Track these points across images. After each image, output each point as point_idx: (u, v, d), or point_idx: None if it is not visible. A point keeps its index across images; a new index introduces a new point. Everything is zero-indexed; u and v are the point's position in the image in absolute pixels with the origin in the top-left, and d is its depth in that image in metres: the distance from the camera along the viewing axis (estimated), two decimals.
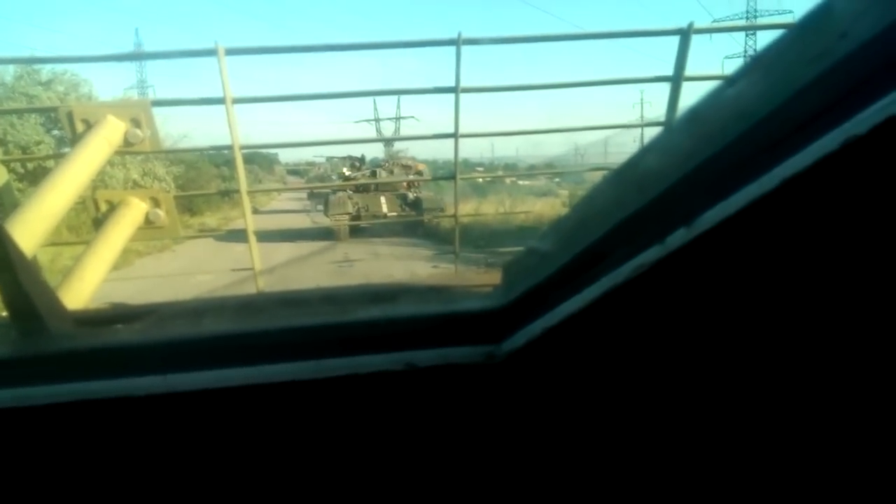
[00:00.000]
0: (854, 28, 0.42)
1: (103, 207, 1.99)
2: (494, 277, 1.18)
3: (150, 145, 1.96)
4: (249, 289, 2.36)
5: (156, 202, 2.03)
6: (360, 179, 15.30)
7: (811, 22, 0.47)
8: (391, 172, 15.76)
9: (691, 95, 2.20)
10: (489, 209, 15.59)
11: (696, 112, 0.53)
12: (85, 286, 1.58)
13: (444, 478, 0.61)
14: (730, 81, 0.50)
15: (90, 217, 2.00)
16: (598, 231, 0.54)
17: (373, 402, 0.61)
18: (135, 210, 1.98)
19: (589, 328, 0.54)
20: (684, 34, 2.00)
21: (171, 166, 17.53)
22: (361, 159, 15.34)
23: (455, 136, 2.09)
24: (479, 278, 1.43)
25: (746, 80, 0.50)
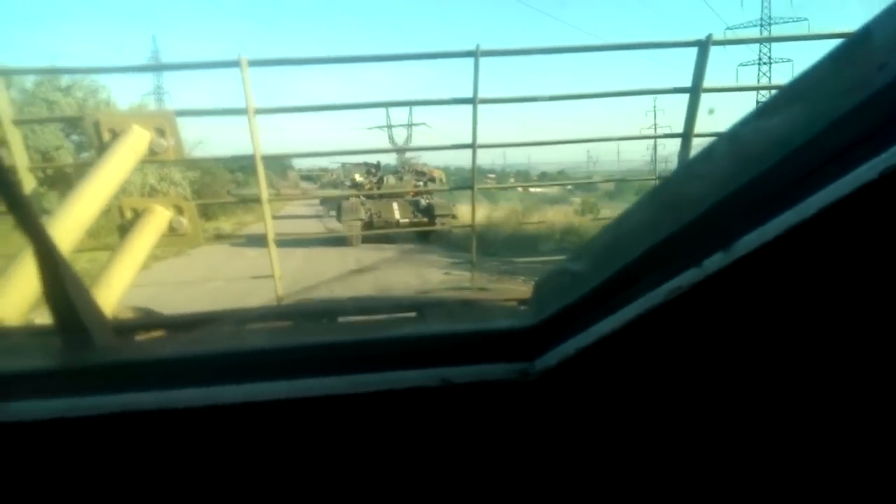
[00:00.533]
0: (893, 59, 0.43)
1: (128, 215, 2.03)
2: (516, 291, 1.19)
3: (173, 154, 2.00)
4: (269, 295, 2.39)
5: (179, 210, 2.06)
6: (366, 187, 15.37)
7: (848, 52, 0.48)
8: (401, 179, 15.80)
9: (708, 105, 2.21)
10: (501, 216, 15.61)
11: (732, 137, 0.54)
12: (112, 293, 1.61)
13: (478, 494, 0.62)
14: (767, 108, 0.51)
15: (115, 224, 2.04)
16: (632, 253, 0.55)
17: (409, 418, 0.62)
18: (159, 218, 2.02)
19: (623, 349, 0.55)
20: (702, 46, 2.00)
21: (186, 171, 17.72)
22: (377, 166, 15.41)
23: (473, 146, 2.11)
24: (502, 291, 1.44)
25: (784, 108, 0.51)
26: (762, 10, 41.11)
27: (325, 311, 1.06)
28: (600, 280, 0.57)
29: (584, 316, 0.57)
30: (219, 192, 17.03)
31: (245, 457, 0.61)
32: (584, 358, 0.56)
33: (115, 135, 1.92)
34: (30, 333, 0.75)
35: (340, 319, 0.81)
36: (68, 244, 1.51)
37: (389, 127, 26.25)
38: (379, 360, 0.62)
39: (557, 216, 16.67)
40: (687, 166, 0.64)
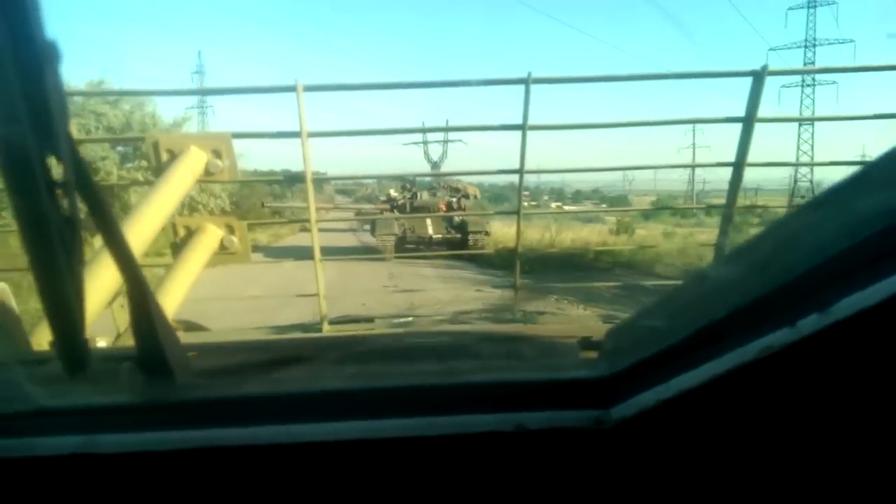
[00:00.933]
0: None
1: (181, 233, 2.09)
2: (568, 327, 1.18)
3: (228, 175, 2.05)
4: (313, 312, 2.43)
5: (230, 229, 2.12)
6: (401, 202, 15.47)
7: None
8: (435, 195, 15.88)
9: (760, 133, 2.18)
10: (535, 234, 15.55)
11: (829, 199, 0.54)
12: (166, 308, 1.65)
13: None
14: (867, 172, 0.50)
15: (168, 241, 2.10)
16: (718, 310, 0.55)
17: (483, 462, 0.62)
18: (211, 236, 2.07)
19: (707, 404, 0.55)
20: (758, 76, 1.98)
21: (225, 184, 18.15)
22: (412, 181, 15.53)
23: (520, 171, 2.11)
24: (554, 328, 1.43)
25: (886, 172, 0.50)
26: (807, 32, 40.34)
27: (383, 347, 1.07)
28: (684, 334, 0.57)
29: (666, 368, 0.57)
30: (256, 203, 17.36)
31: (323, 495, 0.62)
32: (665, 410, 0.56)
33: (174, 155, 1.99)
34: (108, 360, 0.77)
35: (404, 361, 0.82)
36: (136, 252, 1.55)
37: (425, 143, 26.49)
38: (454, 402, 0.63)
39: (592, 235, 16.58)
40: (773, 228, 0.64)
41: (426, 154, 30.73)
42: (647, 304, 0.75)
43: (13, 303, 1.06)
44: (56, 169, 0.48)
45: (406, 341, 1.02)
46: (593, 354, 0.99)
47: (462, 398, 0.64)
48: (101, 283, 1.33)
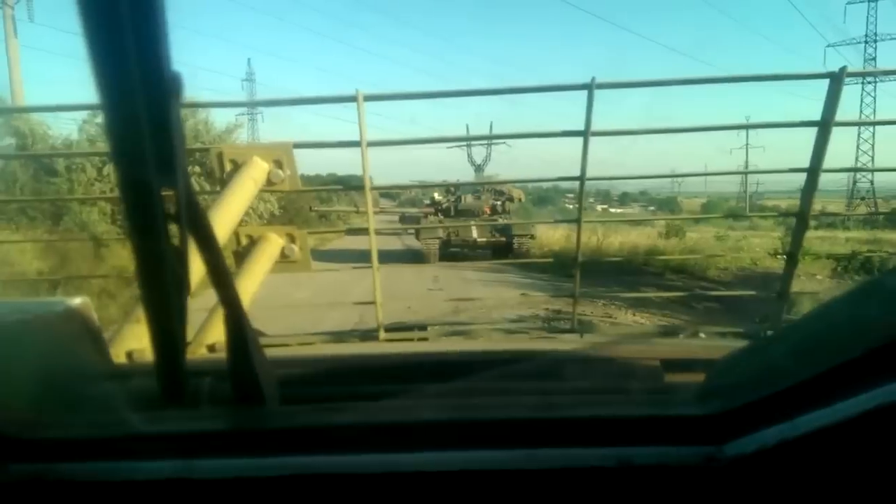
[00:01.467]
0: None
1: (244, 241, 2.13)
2: (647, 349, 1.14)
3: (289, 185, 2.08)
4: (370, 321, 2.44)
5: (291, 238, 2.15)
6: (445, 205, 15.46)
7: None
8: (479, 198, 15.82)
9: (836, 138, 2.07)
10: (582, 237, 15.20)
11: None
12: None
13: None
14: None
15: (231, 250, 2.15)
16: (856, 348, 0.51)
17: (585, 498, 0.60)
18: (273, 245, 2.11)
19: (837, 445, 0.52)
20: (835, 78, 1.88)
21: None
22: (457, 185, 15.52)
23: (581, 178, 2.07)
24: (632, 348, 1.39)
25: None
26: (867, 27, 38.57)
27: (459, 360, 1.06)
28: (813, 372, 0.53)
29: (790, 406, 0.54)
30: (304, 207, 17.70)
31: None
32: (788, 449, 0.53)
33: (237, 166, 2.03)
34: (201, 380, 0.78)
35: (500, 382, 0.80)
36: (198, 271, 1.59)
37: (469, 145, 26.46)
38: (555, 435, 0.61)
39: (640, 238, 16.21)
40: None
41: (470, 157, 30.71)
42: (761, 338, 0.73)
43: (95, 316, 1.09)
44: (171, 201, 0.48)
45: (480, 355, 1.01)
46: (679, 378, 0.95)
47: (562, 430, 0.62)
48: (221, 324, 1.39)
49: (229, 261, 2.23)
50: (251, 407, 0.66)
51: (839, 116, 1.94)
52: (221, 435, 0.64)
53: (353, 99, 1.98)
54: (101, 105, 0.39)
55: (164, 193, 0.47)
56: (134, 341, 1.35)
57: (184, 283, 0.54)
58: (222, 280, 0.62)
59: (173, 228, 0.50)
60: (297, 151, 2.08)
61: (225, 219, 1.82)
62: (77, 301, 1.05)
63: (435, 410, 0.67)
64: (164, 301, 0.53)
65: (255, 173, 2.01)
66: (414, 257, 14.42)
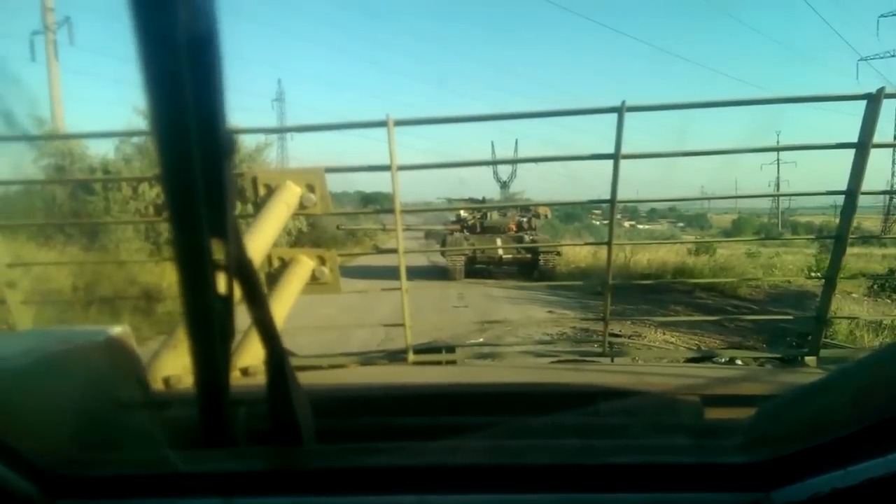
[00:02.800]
0: None
1: (276, 264, 2.16)
2: (679, 385, 1.12)
3: (321, 208, 2.11)
4: (395, 338, 2.44)
5: (322, 260, 2.17)
6: (470, 222, 15.44)
7: None
8: (504, 215, 15.78)
9: (875, 160, 2.01)
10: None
11: None
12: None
13: None
14: None
15: (263, 272, 2.18)
16: None
17: None
18: (304, 267, 2.13)
19: (892, 496, 0.50)
20: (873, 99, 1.84)
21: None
22: (482, 201, 15.54)
23: (612, 201, 2.05)
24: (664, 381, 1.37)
25: None
26: None
27: (493, 392, 1.05)
28: (868, 421, 0.52)
29: (843, 455, 0.52)
30: (328, 225, 17.87)
31: None
32: (842, 498, 0.51)
33: (270, 190, 2.07)
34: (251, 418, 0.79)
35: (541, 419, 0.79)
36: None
37: (495, 164, 26.51)
38: (596, 481, 0.60)
39: (669, 255, 15.93)
40: None
41: (496, 174, 30.72)
42: (806, 385, 0.71)
43: (134, 344, 1.11)
44: (219, 250, 0.49)
45: (520, 387, 1.00)
46: (720, 413, 0.93)
47: (604, 476, 0.61)
48: (255, 348, 1.45)
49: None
50: (290, 447, 0.67)
51: (876, 136, 1.90)
52: (260, 475, 0.65)
53: (383, 124, 2.00)
54: (159, 162, 0.40)
55: (214, 244, 0.47)
56: (171, 367, 1.37)
57: (228, 332, 0.55)
58: (266, 325, 0.63)
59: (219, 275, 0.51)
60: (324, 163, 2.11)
61: (259, 242, 1.84)
62: (117, 330, 1.08)
63: (474, 453, 0.66)
64: (210, 349, 0.54)
65: (289, 197, 2.05)
66: (439, 274, 14.42)
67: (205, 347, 0.54)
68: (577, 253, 15.85)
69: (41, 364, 0.84)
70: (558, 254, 14.45)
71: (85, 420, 0.82)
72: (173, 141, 0.40)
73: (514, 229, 15.45)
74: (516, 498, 0.59)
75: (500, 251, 14.20)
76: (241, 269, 0.54)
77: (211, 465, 0.65)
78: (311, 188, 2.07)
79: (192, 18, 0.37)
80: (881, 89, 1.81)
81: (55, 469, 0.64)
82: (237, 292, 0.55)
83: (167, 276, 9.35)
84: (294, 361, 2.03)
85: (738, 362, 2.06)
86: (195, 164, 0.41)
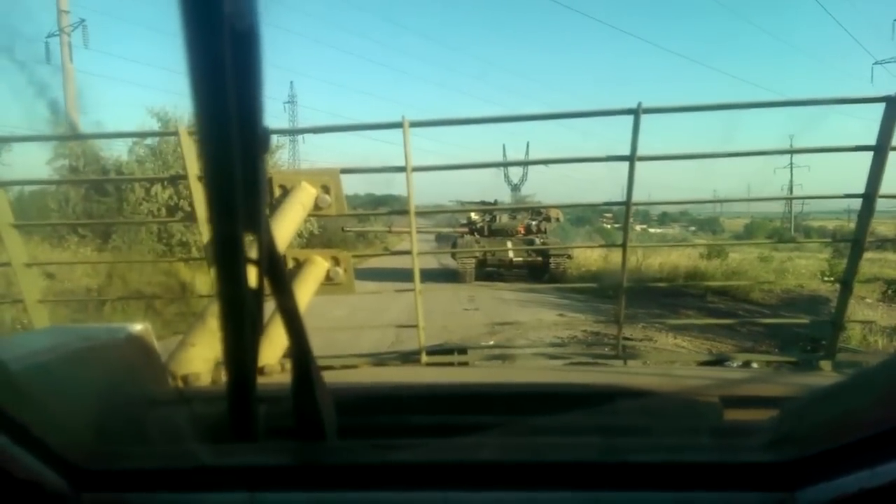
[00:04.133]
0: None
1: (290, 264, 2.17)
2: (698, 386, 1.11)
3: (335, 209, 2.13)
4: (406, 339, 2.45)
5: (336, 261, 2.18)
6: (480, 224, 15.41)
7: None
8: (515, 218, 15.74)
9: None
10: (618, 257, 14.90)
11: None
12: (280, 340, 1.70)
13: None
14: None
15: None
16: None
17: None
18: (318, 268, 2.15)
19: None
20: (892, 102, 1.82)
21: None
22: (494, 204, 15.51)
23: (627, 204, 2.05)
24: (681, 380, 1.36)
25: None
26: None
27: (509, 392, 1.05)
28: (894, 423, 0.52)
29: (870, 455, 0.52)
30: (339, 228, 17.93)
31: None
32: (869, 497, 0.51)
33: (286, 191, 2.08)
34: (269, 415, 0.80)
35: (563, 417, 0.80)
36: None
37: (506, 165, 26.50)
38: (619, 479, 0.60)
39: (681, 259, 15.81)
40: None
41: (507, 176, 30.69)
42: (829, 386, 0.71)
43: (155, 341, 1.12)
44: (251, 247, 0.50)
45: (540, 387, 1.00)
46: (739, 415, 0.92)
47: (627, 474, 0.61)
48: (271, 347, 1.54)
49: None
50: (314, 441, 0.67)
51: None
52: (285, 469, 0.66)
53: (399, 125, 2.02)
54: (201, 155, 0.41)
55: (247, 239, 0.48)
56: (188, 365, 1.39)
57: (258, 324, 0.56)
58: (292, 321, 0.64)
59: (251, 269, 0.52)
60: (332, 159, 2.13)
61: (277, 242, 1.86)
62: (138, 327, 1.09)
63: (496, 450, 0.67)
64: (240, 343, 0.55)
65: (304, 198, 2.06)
66: (449, 276, 14.42)
67: (237, 340, 0.55)
68: (588, 256, 15.77)
69: (66, 360, 0.85)
70: (569, 257, 14.39)
71: (109, 415, 0.83)
72: (216, 135, 0.41)
73: (523, 232, 15.41)
74: (539, 495, 0.60)
75: (511, 254, 14.17)
76: (272, 264, 0.55)
77: (236, 459, 0.66)
78: (326, 189, 2.09)
79: (237, 13, 0.37)
80: None
81: (81, 463, 0.65)
82: (267, 287, 0.56)
83: (180, 277, 9.43)
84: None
85: (754, 365, 2.05)
86: (235, 157, 0.42)
